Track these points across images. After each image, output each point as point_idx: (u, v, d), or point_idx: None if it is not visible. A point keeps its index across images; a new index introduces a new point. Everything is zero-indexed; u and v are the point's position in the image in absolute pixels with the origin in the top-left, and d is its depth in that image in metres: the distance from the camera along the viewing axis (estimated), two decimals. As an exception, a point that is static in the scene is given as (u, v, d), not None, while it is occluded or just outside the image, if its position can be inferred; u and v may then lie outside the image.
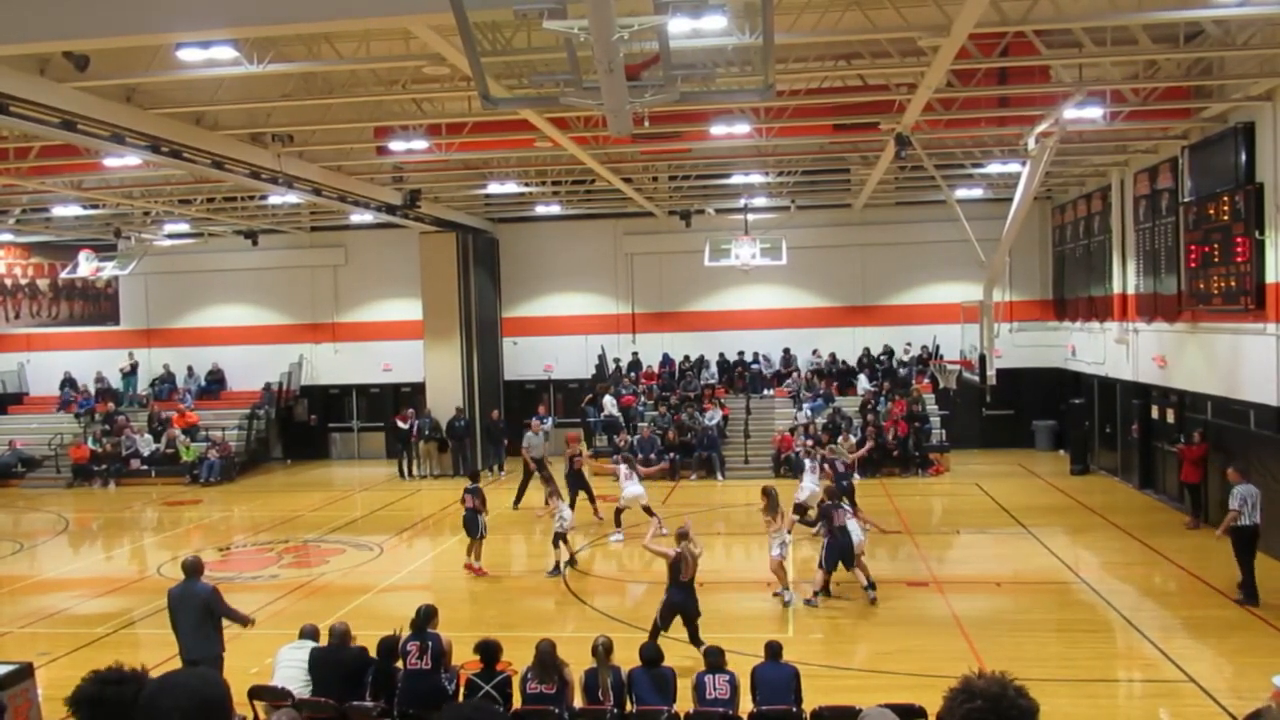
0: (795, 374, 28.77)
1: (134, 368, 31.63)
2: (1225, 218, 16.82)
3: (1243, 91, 15.85)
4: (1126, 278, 22.38)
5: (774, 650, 9.10)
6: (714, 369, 29.69)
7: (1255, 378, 16.34)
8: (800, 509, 17.05)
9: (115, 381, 31.50)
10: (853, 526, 14.27)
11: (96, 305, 31.63)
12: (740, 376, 29.09)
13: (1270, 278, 15.70)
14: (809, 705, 8.58)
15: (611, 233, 30.19)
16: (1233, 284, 16.62)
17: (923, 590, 14.86)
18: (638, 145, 19.76)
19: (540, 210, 28.31)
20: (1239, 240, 16.27)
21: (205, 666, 9.07)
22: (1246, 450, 16.30)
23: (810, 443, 22.17)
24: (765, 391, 28.71)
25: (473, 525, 16.37)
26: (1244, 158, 16.35)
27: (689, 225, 27.97)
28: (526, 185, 24.36)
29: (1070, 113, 15.13)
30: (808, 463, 18.55)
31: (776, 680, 8.78)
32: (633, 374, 29.44)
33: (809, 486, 17.63)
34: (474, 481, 17.22)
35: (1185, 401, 19.57)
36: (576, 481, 20.05)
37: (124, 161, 17.59)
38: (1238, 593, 13.74)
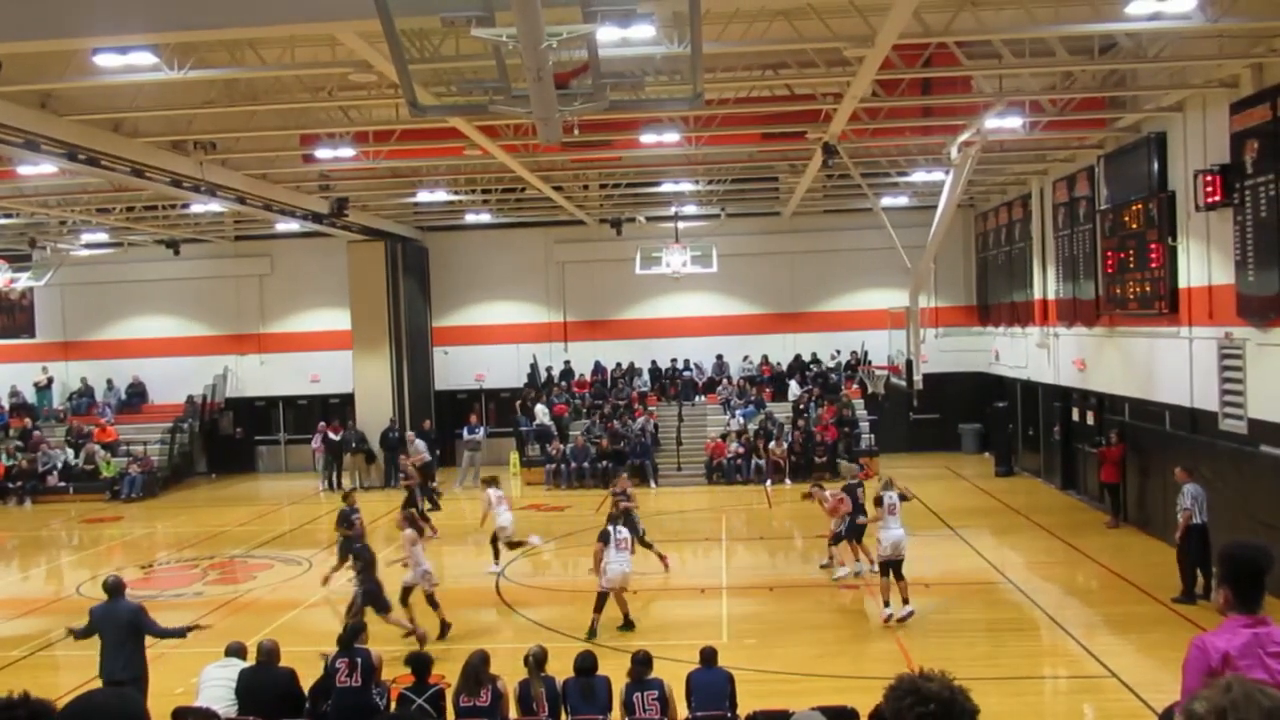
0: (726, 381, 28.96)
1: (49, 381, 30.66)
2: (1139, 225, 17.35)
3: (1155, 102, 16.37)
4: (1047, 283, 22.92)
5: (708, 656, 9.10)
6: (646, 376, 29.75)
7: (1170, 380, 16.85)
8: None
9: (30, 396, 30.54)
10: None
11: (11, 317, 30.69)
12: (672, 384, 29.18)
13: (1183, 282, 16.22)
14: (743, 710, 8.61)
15: (543, 241, 30.10)
16: (1147, 289, 17.14)
17: (853, 592, 15.04)
18: (568, 153, 19.77)
19: (470, 219, 28.14)
20: (1153, 246, 16.79)
21: (128, 687, 8.82)
22: (1163, 450, 16.79)
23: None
24: (697, 399, 28.85)
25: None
26: (1157, 166, 16.87)
27: (620, 233, 28.00)
28: (456, 193, 24.18)
29: (991, 122, 15.54)
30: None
31: (711, 686, 8.79)
32: (565, 382, 29.38)
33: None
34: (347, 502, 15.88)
35: (1104, 403, 20.08)
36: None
37: (39, 169, 17.10)
38: (1179, 593, 13.50)
